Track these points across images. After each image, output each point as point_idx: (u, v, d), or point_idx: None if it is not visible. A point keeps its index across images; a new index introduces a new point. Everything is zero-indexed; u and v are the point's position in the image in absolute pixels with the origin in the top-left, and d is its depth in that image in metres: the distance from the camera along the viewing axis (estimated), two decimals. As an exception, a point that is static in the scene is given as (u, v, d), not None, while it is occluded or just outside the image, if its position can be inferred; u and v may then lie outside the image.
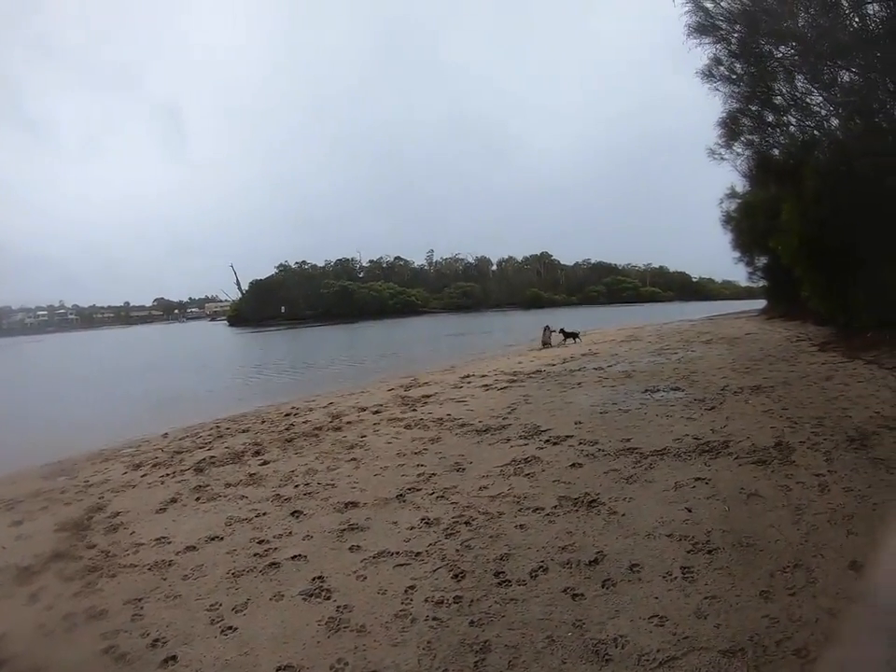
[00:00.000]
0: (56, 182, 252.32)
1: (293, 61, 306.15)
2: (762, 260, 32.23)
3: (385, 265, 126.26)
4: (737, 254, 34.96)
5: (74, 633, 4.22)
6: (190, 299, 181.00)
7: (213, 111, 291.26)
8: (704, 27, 15.32)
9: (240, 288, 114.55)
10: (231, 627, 4.06)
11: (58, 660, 3.87)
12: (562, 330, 27.56)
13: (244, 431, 11.40)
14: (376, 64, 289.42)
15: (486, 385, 14.14)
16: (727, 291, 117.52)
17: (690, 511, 5.32)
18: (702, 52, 15.71)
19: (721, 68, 16.06)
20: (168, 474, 8.50)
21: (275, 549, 5.33)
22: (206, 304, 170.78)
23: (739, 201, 31.43)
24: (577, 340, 26.76)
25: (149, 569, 5.17)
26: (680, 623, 3.61)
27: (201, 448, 10.17)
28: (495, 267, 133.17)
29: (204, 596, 4.56)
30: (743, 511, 5.23)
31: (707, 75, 16.20)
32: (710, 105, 16.83)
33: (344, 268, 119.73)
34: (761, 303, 42.15)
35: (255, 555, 5.23)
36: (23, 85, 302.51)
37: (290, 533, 5.69)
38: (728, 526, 4.91)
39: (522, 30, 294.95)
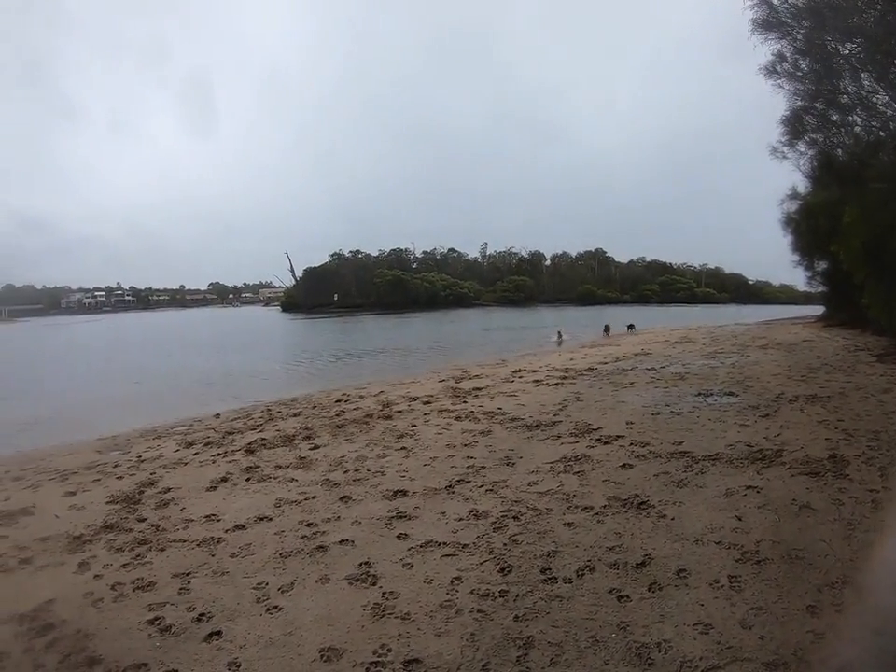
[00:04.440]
0: (97, 164, 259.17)
1: (347, 55, 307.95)
2: (821, 265, 31.18)
3: (438, 256, 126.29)
4: (796, 257, 33.80)
5: (121, 602, 4.29)
6: (245, 284, 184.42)
7: (269, 101, 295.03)
8: (769, 22, 14.96)
9: (294, 275, 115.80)
10: (276, 607, 4.09)
11: (104, 627, 3.94)
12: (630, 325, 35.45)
13: (294, 415, 11.55)
14: (429, 57, 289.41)
15: (538, 381, 14.09)
16: (783, 295, 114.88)
17: (740, 519, 5.20)
18: (765, 48, 15.36)
19: (785, 65, 15.67)
20: (219, 454, 8.64)
21: (323, 532, 5.36)
22: (260, 290, 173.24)
23: (801, 202, 30.48)
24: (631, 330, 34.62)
25: (198, 545, 5.25)
26: (725, 632, 3.53)
27: (252, 430, 10.33)
28: (548, 262, 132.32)
29: (251, 575, 4.60)
30: (794, 522, 5.09)
31: (771, 71, 15.82)
32: (772, 101, 16.44)
33: (398, 258, 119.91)
34: (818, 309, 41.01)
35: (303, 538, 5.27)
36: (58, 64, 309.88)
37: (339, 518, 5.72)
38: (778, 537, 4.79)
39: (574, 22, 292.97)
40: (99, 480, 7.73)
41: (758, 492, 5.83)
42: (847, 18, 13.47)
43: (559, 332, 33.55)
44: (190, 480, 7.37)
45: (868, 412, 9.09)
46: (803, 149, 17.32)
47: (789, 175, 35.02)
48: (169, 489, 7.01)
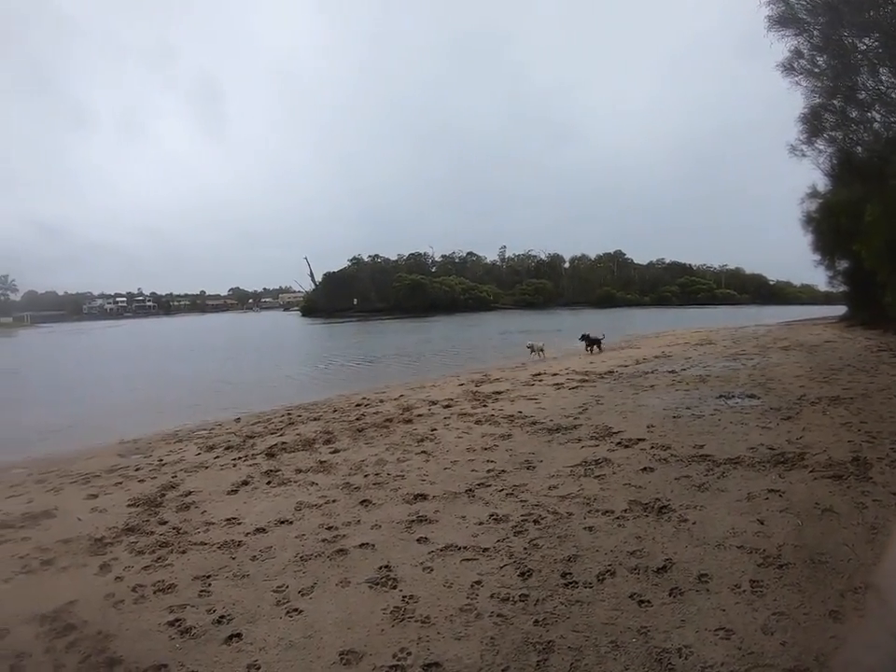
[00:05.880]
0: (111, 170, 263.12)
1: (366, 57, 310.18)
2: (842, 264, 30.93)
3: (457, 260, 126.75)
4: (817, 257, 33.55)
5: (142, 604, 4.31)
6: (265, 289, 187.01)
7: (288, 105, 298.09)
8: (785, 19, 14.84)
9: (313, 280, 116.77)
10: (296, 609, 4.09)
11: (125, 628, 3.95)
12: (585, 336, 25.09)
13: (315, 419, 11.57)
14: (447, 58, 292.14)
15: (558, 384, 14.04)
16: (805, 295, 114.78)
17: (762, 523, 5.12)
18: (781, 45, 15.24)
19: (802, 61, 15.54)
20: (240, 457, 8.69)
21: (344, 536, 5.36)
22: (280, 295, 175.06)
23: (821, 201, 30.19)
24: (593, 349, 24.44)
25: (219, 548, 5.26)
26: (746, 637, 3.47)
27: (272, 433, 10.37)
28: (567, 264, 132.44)
29: (272, 578, 4.61)
30: (816, 526, 5.00)
31: (788, 68, 15.71)
32: (789, 99, 16.38)
33: (417, 262, 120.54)
34: (840, 309, 40.57)
35: (323, 541, 5.27)
36: (69, 70, 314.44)
37: (359, 521, 5.71)
38: (800, 541, 4.70)
39: (592, 26, 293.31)
40: (121, 483, 7.78)
41: (780, 495, 5.73)
42: (863, 13, 13.33)
43: (530, 346, 24.05)
44: (211, 483, 7.41)
45: (892, 413, 8.94)
46: (822, 147, 17.18)
47: (808, 174, 34.81)
48: (190, 492, 7.05)
